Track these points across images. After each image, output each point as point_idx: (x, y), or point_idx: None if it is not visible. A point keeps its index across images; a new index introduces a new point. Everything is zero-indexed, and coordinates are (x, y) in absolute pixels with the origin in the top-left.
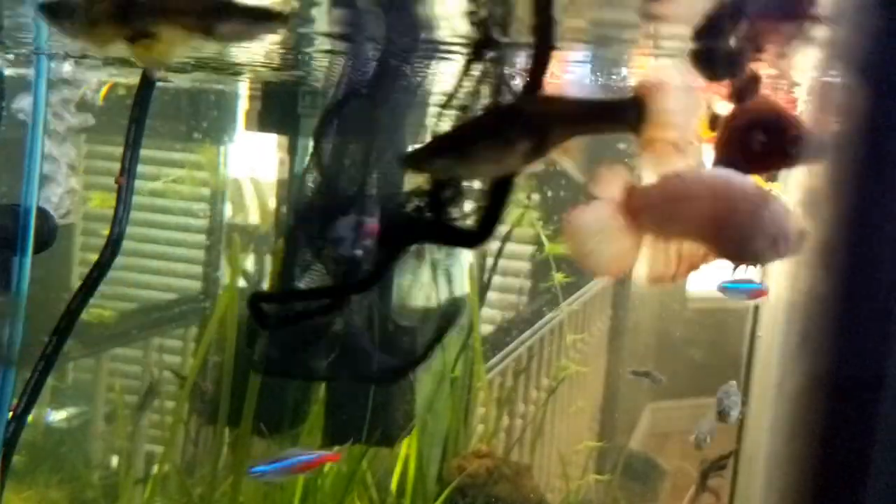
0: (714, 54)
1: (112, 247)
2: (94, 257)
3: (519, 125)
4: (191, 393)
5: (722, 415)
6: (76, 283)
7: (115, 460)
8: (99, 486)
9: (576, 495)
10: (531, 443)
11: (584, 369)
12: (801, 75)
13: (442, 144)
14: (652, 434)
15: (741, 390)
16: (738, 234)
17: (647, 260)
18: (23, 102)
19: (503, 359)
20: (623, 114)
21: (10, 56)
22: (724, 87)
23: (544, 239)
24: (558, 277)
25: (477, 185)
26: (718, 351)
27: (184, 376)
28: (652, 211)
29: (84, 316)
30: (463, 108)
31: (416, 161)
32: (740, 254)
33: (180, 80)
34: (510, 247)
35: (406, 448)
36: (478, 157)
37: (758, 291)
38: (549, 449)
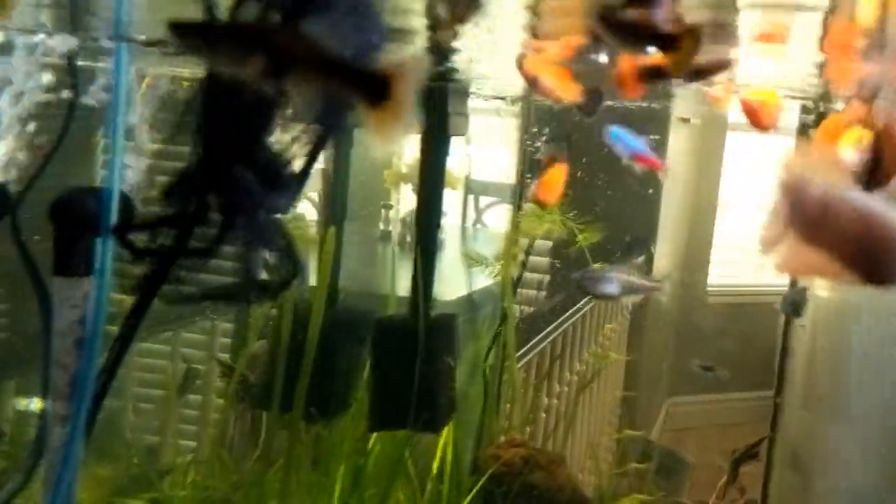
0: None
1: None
2: None
3: (266, 43)
4: (239, 380)
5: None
6: None
7: (154, 446)
8: (145, 468)
9: (608, 485)
10: (563, 432)
11: (624, 358)
12: None
13: (199, 26)
14: (671, 429)
15: (775, 384)
16: (881, 261)
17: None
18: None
19: (529, 351)
20: (366, 86)
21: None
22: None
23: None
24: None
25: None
26: (738, 346)
27: (232, 366)
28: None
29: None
30: None
31: (178, 30)
32: (880, 280)
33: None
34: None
35: (443, 436)
36: (216, 47)
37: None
38: (579, 439)
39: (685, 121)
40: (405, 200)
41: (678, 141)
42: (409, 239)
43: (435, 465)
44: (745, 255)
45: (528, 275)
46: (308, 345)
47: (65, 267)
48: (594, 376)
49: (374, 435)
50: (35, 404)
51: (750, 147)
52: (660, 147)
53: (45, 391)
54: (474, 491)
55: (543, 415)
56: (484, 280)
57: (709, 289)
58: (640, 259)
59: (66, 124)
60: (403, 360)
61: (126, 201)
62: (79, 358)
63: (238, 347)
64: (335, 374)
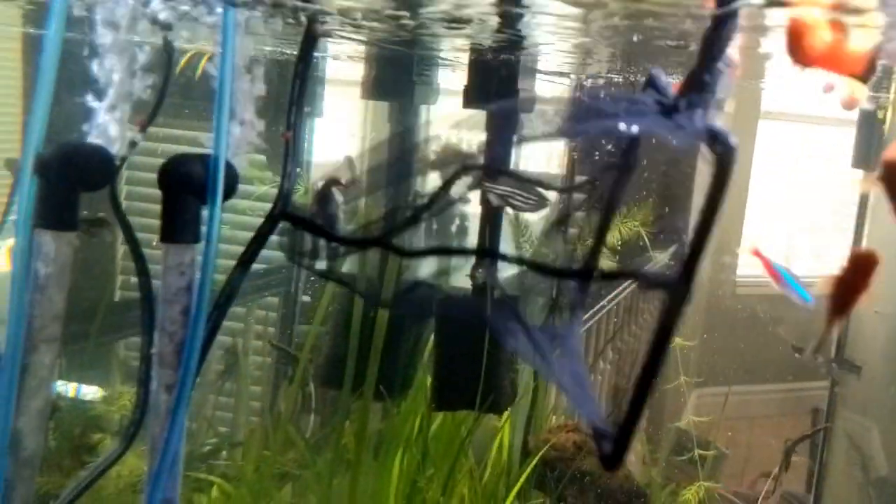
0: None
1: (283, 200)
2: None
3: None
4: (307, 360)
5: None
6: None
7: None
8: (214, 443)
9: (658, 473)
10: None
11: (689, 343)
12: None
13: None
14: (699, 420)
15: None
16: None
17: None
18: None
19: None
20: None
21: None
22: None
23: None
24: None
25: None
26: (766, 338)
27: (287, 349)
28: None
29: None
30: None
31: None
32: None
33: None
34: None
35: (503, 419)
36: None
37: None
38: None
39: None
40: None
41: None
42: (435, 226)
43: (494, 448)
44: (774, 245)
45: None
46: (378, 323)
47: (172, 233)
48: (637, 359)
49: (437, 416)
50: (83, 390)
51: (782, 137)
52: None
53: (147, 359)
54: (526, 473)
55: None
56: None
57: (737, 279)
58: (674, 249)
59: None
60: (469, 340)
61: (230, 169)
62: (185, 325)
63: (286, 330)
64: (400, 353)
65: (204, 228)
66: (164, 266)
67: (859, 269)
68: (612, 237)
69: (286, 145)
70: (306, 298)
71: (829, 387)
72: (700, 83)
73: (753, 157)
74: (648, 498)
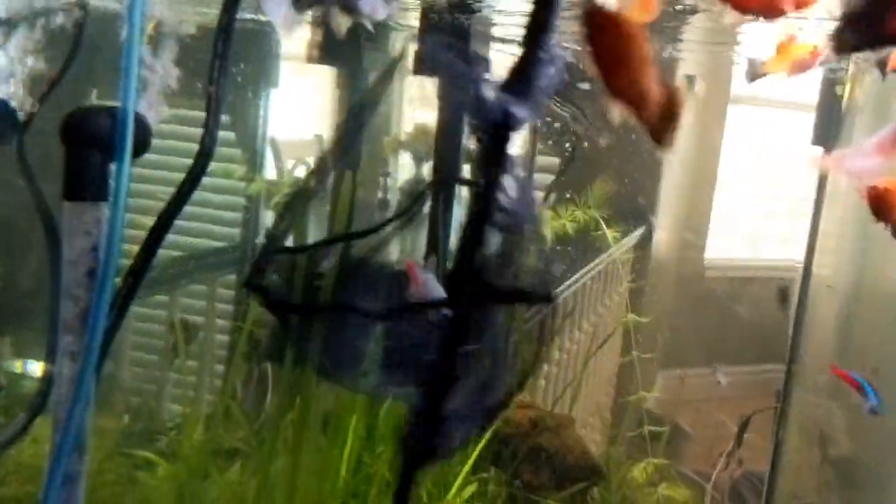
0: None
1: (204, 158)
2: None
3: None
4: (247, 338)
5: None
6: None
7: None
8: (151, 421)
9: (616, 449)
10: (571, 395)
11: (643, 319)
12: None
13: None
14: (665, 401)
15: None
16: None
17: None
18: None
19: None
20: None
21: None
22: None
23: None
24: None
25: None
26: (734, 320)
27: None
28: None
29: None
30: None
31: None
32: None
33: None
34: None
35: None
36: None
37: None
38: (586, 402)
39: (690, 79)
40: (404, 168)
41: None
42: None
43: None
44: (743, 228)
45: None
46: (324, 294)
47: (76, 190)
48: (608, 338)
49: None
50: (30, 366)
51: (751, 120)
52: None
53: (53, 328)
54: (478, 449)
55: (543, 382)
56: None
57: (706, 262)
58: (642, 230)
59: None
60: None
61: (141, 123)
62: (91, 290)
63: (240, 305)
64: (349, 327)
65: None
66: (68, 226)
67: None
68: (567, 221)
69: (208, 100)
70: None
71: (785, 367)
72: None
73: (722, 141)
74: (605, 474)
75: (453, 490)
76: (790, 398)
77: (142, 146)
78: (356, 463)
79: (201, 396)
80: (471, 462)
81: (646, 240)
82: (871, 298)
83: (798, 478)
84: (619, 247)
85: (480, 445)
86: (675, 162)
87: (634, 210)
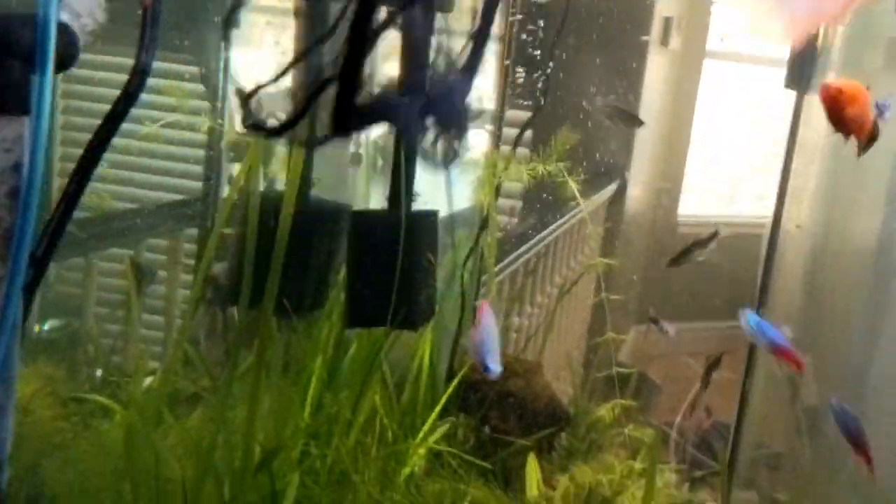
0: None
1: (139, 77)
2: None
3: None
4: (204, 281)
5: None
6: None
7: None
8: (106, 371)
9: (583, 397)
10: (540, 342)
11: (613, 262)
12: None
13: None
14: (636, 356)
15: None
16: None
17: None
18: None
19: (501, 272)
20: None
21: None
22: None
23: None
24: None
25: None
26: (707, 276)
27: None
28: None
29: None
30: None
31: None
32: None
33: None
34: None
35: (420, 342)
36: None
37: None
38: (557, 348)
39: (668, 21)
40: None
41: (655, 68)
42: (380, 162)
43: (412, 370)
44: (718, 185)
45: (500, 201)
46: (279, 234)
47: None
48: (576, 281)
49: (350, 335)
50: None
51: (726, 77)
52: (636, 76)
53: None
54: (447, 394)
55: (514, 334)
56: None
57: (680, 218)
58: (616, 185)
59: None
60: (382, 255)
61: (66, 30)
62: (14, 210)
63: (202, 245)
64: (308, 268)
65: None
66: None
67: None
68: (528, 173)
69: (144, 14)
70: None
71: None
72: None
73: (697, 96)
74: (573, 420)
75: (421, 432)
76: (757, 348)
77: (68, 58)
78: (317, 406)
79: (170, 343)
80: (439, 407)
81: (619, 195)
82: (839, 247)
83: (765, 427)
84: (591, 201)
85: (448, 391)
86: (650, 117)
87: (607, 165)
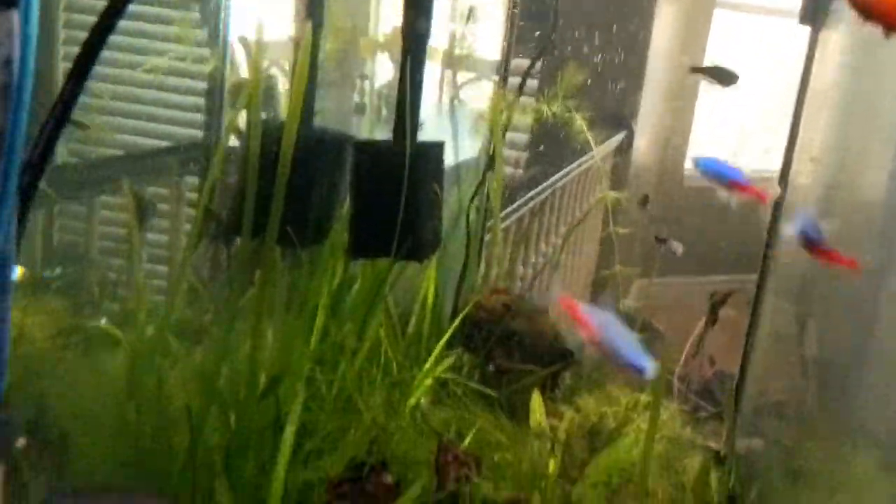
0: None
1: None
2: None
3: None
4: (205, 213)
5: None
6: None
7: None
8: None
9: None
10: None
11: (622, 195)
12: None
13: None
14: (640, 308)
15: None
16: None
17: None
18: None
19: (506, 218)
20: None
21: None
22: None
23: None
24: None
25: None
26: (711, 230)
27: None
28: None
29: None
30: None
31: None
32: None
33: None
34: None
35: (426, 277)
36: None
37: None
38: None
39: None
40: (382, 71)
41: (664, 16)
42: (384, 112)
43: (418, 303)
44: (726, 140)
45: (506, 152)
46: (281, 163)
47: None
48: (583, 218)
49: (355, 267)
50: None
51: (737, 28)
52: (646, 24)
53: None
54: (451, 330)
55: (519, 282)
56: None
57: (686, 171)
58: (622, 135)
59: None
60: (385, 185)
61: None
62: (5, 109)
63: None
64: (311, 199)
65: None
66: None
67: None
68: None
69: None
70: None
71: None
72: None
73: (706, 47)
74: (577, 359)
75: (428, 363)
76: (762, 300)
77: None
78: (322, 334)
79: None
80: (444, 339)
81: (626, 145)
82: (847, 199)
83: (767, 378)
84: (598, 150)
85: (453, 326)
86: (658, 66)
87: (614, 115)
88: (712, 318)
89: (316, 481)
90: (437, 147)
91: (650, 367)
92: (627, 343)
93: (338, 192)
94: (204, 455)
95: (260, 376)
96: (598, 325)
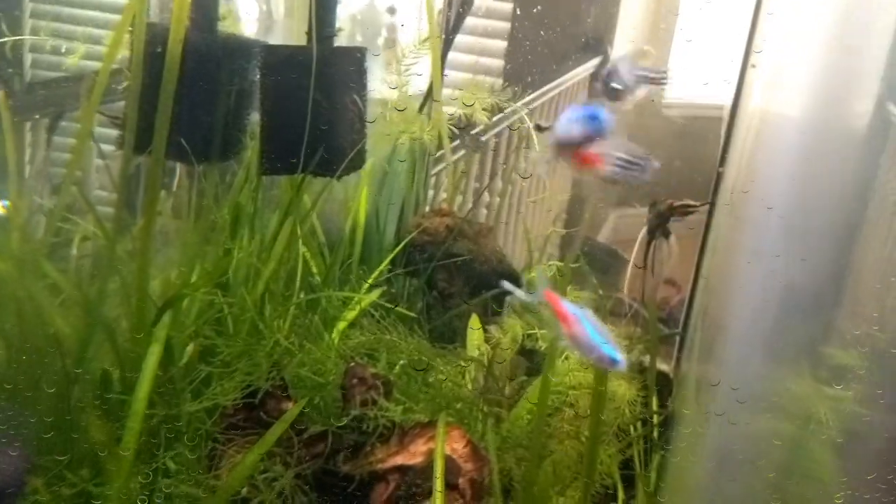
0: None
1: None
2: None
3: None
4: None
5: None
6: None
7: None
8: None
9: (539, 265)
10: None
11: None
12: None
13: None
14: (615, 240)
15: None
16: None
17: None
18: None
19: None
20: None
21: None
22: None
23: None
24: None
25: None
26: (687, 159)
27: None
28: None
29: None
30: None
31: None
32: None
33: None
34: None
35: (359, 200)
36: None
37: None
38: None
39: None
40: None
41: None
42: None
43: (347, 228)
44: (701, 66)
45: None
46: (167, 68)
47: None
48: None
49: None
50: None
51: None
52: None
53: None
54: (392, 256)
55: (485, 211)
56: None
57: (664, 100)
58: (597, 60)
59: None
60: (297, 93)
61: None
62: None
63: None
64: (215, 110)
65: None
66: None
67: None
68: None
69: None
70: None
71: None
72: None
73: None
74: (520, 279)
75: (363, 290)
76: (712, 224)
77: None
78: (223, 254)
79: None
80: (382, 267)
81: (600, 71)
82: (831, 133)
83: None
84: (571, 75)
85: (395, 252)
86: None
87: (588, 39)
88: (659, 229)
89: (206, 411)
90: (359, 52)
91: (623, 360)
92: (602, 337)
93: (246, 103)
94: (81, 385)
95: (149, 300)
96: (575, 320)
